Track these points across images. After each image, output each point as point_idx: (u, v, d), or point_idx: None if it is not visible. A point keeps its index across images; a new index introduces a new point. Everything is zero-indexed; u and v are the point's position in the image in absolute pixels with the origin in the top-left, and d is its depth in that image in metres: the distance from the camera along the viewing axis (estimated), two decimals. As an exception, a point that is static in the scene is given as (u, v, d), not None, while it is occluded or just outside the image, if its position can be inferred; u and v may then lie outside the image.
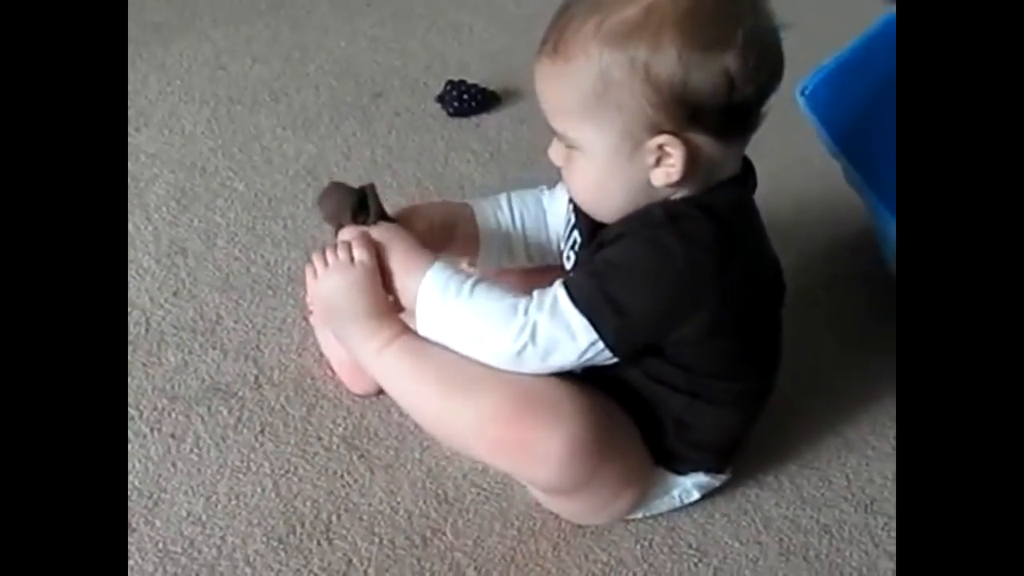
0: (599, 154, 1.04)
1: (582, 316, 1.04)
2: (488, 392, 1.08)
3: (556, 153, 1.09)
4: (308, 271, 1.16)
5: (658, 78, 0.99)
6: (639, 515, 1.19)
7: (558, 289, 1.06)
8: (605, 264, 1.05)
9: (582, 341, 1.05)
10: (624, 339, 1.06)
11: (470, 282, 1.08)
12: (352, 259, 1.12)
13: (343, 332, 1.16)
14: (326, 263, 1.13)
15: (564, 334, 1.05)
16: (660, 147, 1.02)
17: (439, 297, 1.09)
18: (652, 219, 1.05)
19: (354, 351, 1.16)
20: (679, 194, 1.06)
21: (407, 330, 1.13)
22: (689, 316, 1.05)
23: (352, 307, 1.12)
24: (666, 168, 1.03)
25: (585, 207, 1.11)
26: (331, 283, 1.13)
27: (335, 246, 1.14)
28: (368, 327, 1.13)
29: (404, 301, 1.12)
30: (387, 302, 1.14)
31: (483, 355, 1.08)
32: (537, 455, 1.08)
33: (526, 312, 1.05)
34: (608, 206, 1.08)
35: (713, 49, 0.98)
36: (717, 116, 1.01)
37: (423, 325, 1.10)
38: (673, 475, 1.18)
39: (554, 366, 1.07)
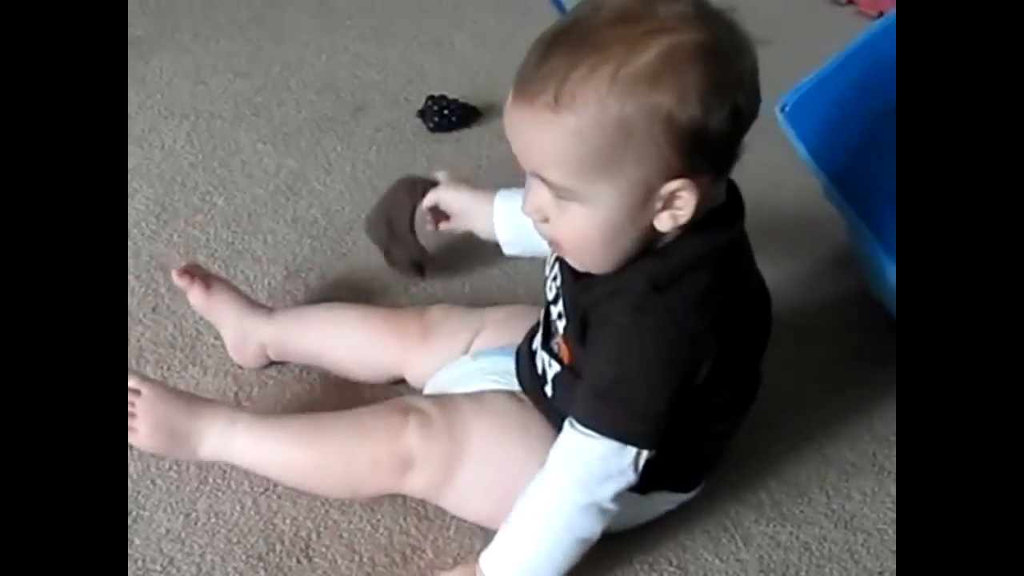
0: (606, 206, 0.99)
1: (613, 440, 1.03)
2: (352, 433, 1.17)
3: (542, 204, 1.03)
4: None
5: (680, 124, 0.95)
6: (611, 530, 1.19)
7: (583, 442, 1.04)
8: (608, 381, 1.03)
9: (626, 459, 1.04)
10: (660, 433, 1.05)
11: (507, 524, 1.07)
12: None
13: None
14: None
15: (609, 467, 1.04)
16: (672, 193, 0.98)
17: (504, 559, 1.08)
18: (636, 296, 1.02)
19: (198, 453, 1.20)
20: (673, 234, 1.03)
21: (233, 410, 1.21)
22: (694, 375, 1.04)
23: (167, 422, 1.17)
24: (674, 212, 1.00)
25: (574, 258, 1.06)
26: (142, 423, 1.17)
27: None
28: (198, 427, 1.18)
29: None
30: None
31: (578, 546, 1.08)
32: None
33: (574, 485, 1.04)
34: (603, 257, 1.04)
35: (728, 88, 0.96)
36: (724, 154, 1.00)
37: None
38: (634, 495, 1.15)
39: (623, 488, 1.06)
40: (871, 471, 1.30)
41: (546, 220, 1.04)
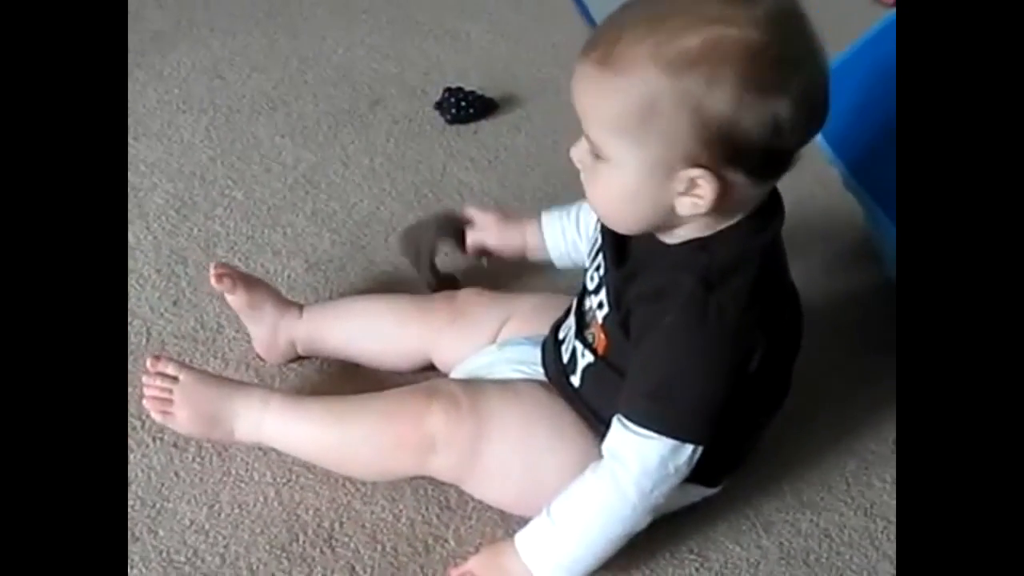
0: (628, 171, 1.01)
1: (672, 439, 1.05)
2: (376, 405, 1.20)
3: (581, 155, 1.06)
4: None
5: (707, 114, 0.96)
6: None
7: (641, 443, 1.05)
8: (660, 381, 1.05)
9: (683, 457, 1.06)
10: (715, 428, 1.07)
11: (549, 515, 1.09)
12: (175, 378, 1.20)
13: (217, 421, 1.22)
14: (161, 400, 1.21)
15: (667, 467, 1.06)
16: (692, 180, 0.99)
17: (545, 548, 1.09)
18: (686, 294, 1.03)
19: (234, 433, 1.22)
20: (700, 223, 1.04)
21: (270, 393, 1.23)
22: (745, 369, 1.06)
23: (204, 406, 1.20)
24: (694, 199, 1.00)
25: (602, 217, 1.10)
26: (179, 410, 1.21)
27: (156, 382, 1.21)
28: (235, 407, 1.20)
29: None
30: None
31: (623, 539, 1.10)
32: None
33: (632, 485, 1.06)
34: (626, 220, 1.07)
35: (768, 94, 0.96)
36: (757, 159, 1.00)
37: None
38: None
39: (672, 487, 1.08)
40: (891, 459, 1.30)
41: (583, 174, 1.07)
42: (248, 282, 1.35)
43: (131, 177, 1.66)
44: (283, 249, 1.55)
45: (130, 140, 1.74)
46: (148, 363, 1.21)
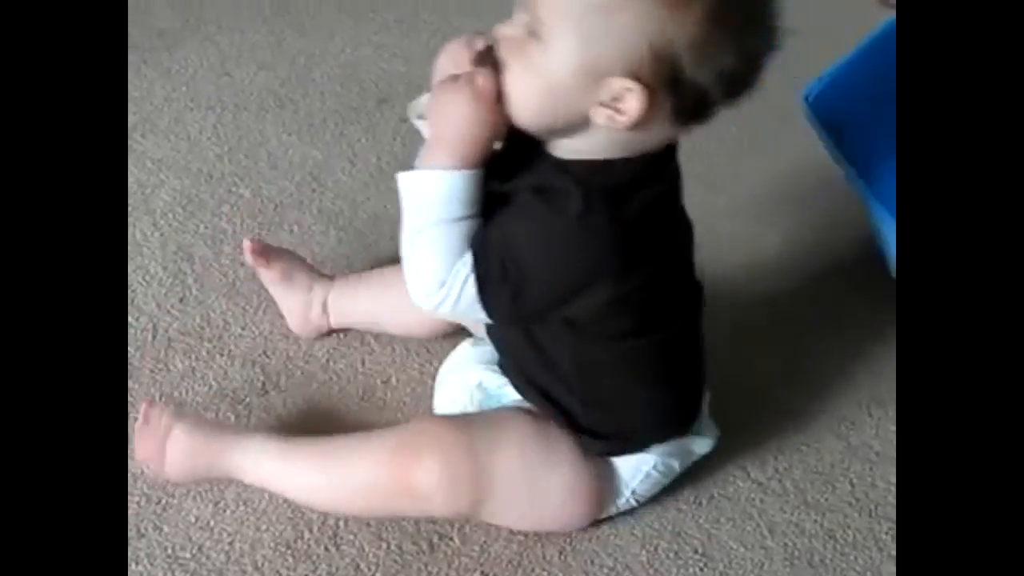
0: (559, 60, 0.98)
1: (482, 303, 1.06)
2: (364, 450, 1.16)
3: (513, 31, 1.03)
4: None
5: (669, 32, 0.95)
6: (631, 503, 1.20)
7: (466, 274, 1.05)
8: (504, 241, 1.04)
9: (476, 309, 1.07)
10: (514, 320, 1.10)
11: (451, 220, 1.05)
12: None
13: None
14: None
15: (452, 299, 1.06)
16: (626, 90, 0.97)
17: (416, 203, 1.07)
18: (571, 202, 1.02)
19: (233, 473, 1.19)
20: (593, 143, 1.02)
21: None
22: (582, 295, 1.05)
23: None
24: (612, 112, 0.99)
25: (509, 98, 1.03)
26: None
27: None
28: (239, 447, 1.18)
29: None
30: None
31: (406, 275, 1.09)
32: (419, 495, 1.12)
33: (452, 281, 1.06)
34: (530, 111, 1.02)
35: (728, 37, 0.96)
36: (690, 98, 0.99)
37: (403, 195, 1.10)
38: (633, 456, 1.17)
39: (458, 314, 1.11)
40: (895, 460, 1.30)
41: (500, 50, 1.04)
42: (280, 254, 1.39)
43: (138, 174, 1.66)
44: (290, 247, 1.54)
45: (137, 137, 1.74)
46: (142, 410, 1.18)
